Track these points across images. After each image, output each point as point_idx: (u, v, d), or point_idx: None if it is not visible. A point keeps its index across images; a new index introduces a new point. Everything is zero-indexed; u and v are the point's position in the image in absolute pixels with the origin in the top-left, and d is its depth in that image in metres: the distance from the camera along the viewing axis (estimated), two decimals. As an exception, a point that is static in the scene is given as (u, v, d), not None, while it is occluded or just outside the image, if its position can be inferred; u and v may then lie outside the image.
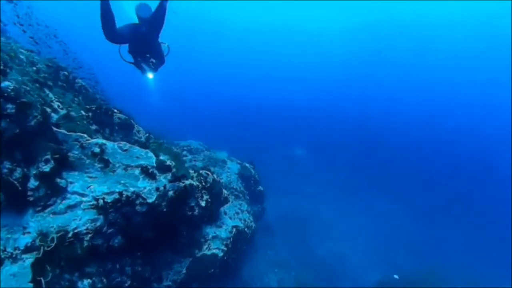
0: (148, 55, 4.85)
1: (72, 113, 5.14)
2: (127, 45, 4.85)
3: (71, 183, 4.93)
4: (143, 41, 4.61)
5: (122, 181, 5.11)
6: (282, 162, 25.27)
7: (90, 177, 5.08)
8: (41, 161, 4.56)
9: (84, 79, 6.27)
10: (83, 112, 5.67)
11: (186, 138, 13.27)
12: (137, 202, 5.10)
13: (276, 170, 20.46)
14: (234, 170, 12.13)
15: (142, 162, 5.37)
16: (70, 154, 4.97)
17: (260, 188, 12.75)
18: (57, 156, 4.67)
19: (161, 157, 5.75)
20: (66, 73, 5.68)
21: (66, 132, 4.87)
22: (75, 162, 5.04)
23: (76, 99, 5.66)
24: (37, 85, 4.88)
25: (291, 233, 14.18)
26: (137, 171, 5.30)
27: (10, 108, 4.03)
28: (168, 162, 5.69)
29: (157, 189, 5.34)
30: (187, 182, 6.16)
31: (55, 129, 4.82)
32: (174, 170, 5.73)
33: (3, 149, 4.18)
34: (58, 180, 4.80)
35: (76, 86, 5.92)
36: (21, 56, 4.85)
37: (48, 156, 4.58)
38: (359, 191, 21.72)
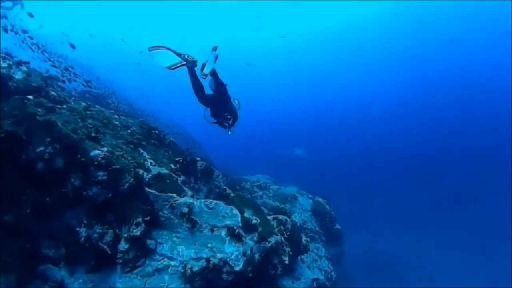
0: (226, 114, 5.60)
1: (163, 171, 5.10)
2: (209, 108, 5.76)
3: (160, 243, 4.75)
4: (219, 104, 5.53)
5: (209, 245, 4.71)
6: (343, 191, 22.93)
7: (178, 237, 4.85)
8: (133, 224, 4.52)
9: (170, 134, 6.47)
10: (172, 166, 5.66)
11: (253, 172, 12.97)
12: (224, 270, 4.59)
13: (344, 202, 18.44)
14: (307, 206, 11.07)
15: (228, 222, 4.92)
16: (160, 213, 4.87)
17: (338, 226, 11.26)
18: (148, 218, 4.60)
19: (246, 214, 5.23)
20: (157, 131, 5.88)
21: (157, 192, 4.79)
22: (165, 221, 4.90)
23: (166, 153, 5.74)
24: (132, 146, 5.01)
25: (377, 279, 11.97)
26: (223, 232, 4.85)
27: (101, 175, 4.08)
28: (254, 220, 5.11)
29: (244, 253, 4.77)
30: (273, 240, 5.46)
31: (147, 189, 4.81)
32: (260, 229, 5.12)
33: (95, 212, 4.28)
34: (148, 241, 4.69)
35: (166, 142, 6.06)
36: (115, 122, 5.13)
37: (140, 219, 4.52)
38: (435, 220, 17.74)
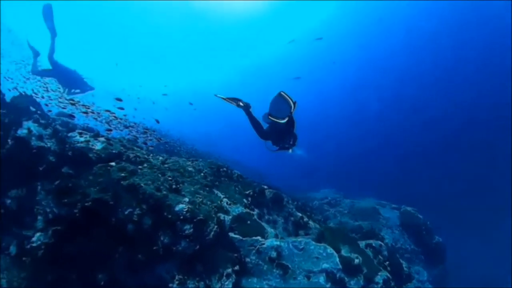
0: (288, 141, 5.56)
1: (240, 210, 4.73)
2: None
3: (252, 293, 4.29)
4: (283, 133, 5.46)
5: (309, 295, 4.02)
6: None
7: (270, 286, 4.32)
8: (223, 275, 4.16)
9: (235, 167, 6.21)
10: (245, 201, 5.29)
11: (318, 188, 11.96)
12: (334, 326, 3.82)
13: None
14: (393, 220, 9.50)
15: (325, 266, 4.18)
16: (247, 259, 4.44)
17: (437, 239, 9.31)
18: (236, 268, 4.21)
19: (343, 252, 4.40)
20: (225, 169, 5.68)
21: (241, 237, 4.40)
22: (253, 268, 4.43)
23: (237, 188, 5.43)
24: (207, 189, 4.79)
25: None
26: (321, 279, 4.11)
27: (188, 229, 3.84)
28: (356, 260, 4.25)
29: (353, 304, 3.93)
30: (380, 280, 4.47)
31: (231, 235, 4.45)
32: (365, 270, 4.22)
33: (184, 267, 4.06)
34: (240, 291, 4.27)
35: (234, 177, 5.79)
36: (189, 168, 5.03)
37: (229, 270, 4.15)
38: None
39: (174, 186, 4.27)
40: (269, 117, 4.94)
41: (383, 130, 35.84)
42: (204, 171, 5.26)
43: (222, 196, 5.00)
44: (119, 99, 6.10)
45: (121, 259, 3.92)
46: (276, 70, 35.19)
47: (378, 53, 32.33)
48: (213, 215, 4.24)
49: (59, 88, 7.08)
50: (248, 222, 4.67)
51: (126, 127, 6.73)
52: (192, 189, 4.55)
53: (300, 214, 6.45)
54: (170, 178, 4.38)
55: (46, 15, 6.53)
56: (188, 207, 3.77)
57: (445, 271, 9.53)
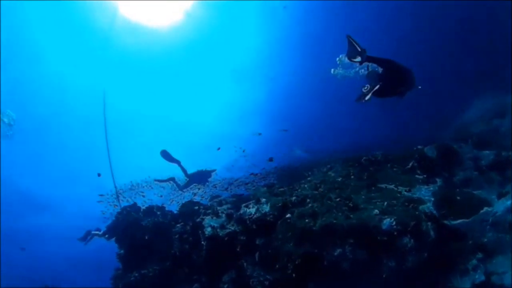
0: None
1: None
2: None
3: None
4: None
5: None
6: None
7: None
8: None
9: None
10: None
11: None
12: None
13: None
14: None
15: None
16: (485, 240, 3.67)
17: None
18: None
19: None
20: (366, 157, 5.33)
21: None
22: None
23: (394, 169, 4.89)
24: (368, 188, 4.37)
25: None
26: None
27: (407, 242, 3.43)
28: None
29: None
30: None
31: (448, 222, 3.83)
32: None
33: None
34: None
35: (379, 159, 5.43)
36: (338, 179, 4.84)
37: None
38: None
39: (350, 204, 4.09)
40: None
41: None
42: (350, 171, 5.03)
43: (392, 185, 4.49)
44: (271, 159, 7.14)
45: None
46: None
47: None
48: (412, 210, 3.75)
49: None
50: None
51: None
52: (363, 197, 4.26)
53: None
54: (337, 199, 4.26)
55: (166, 157, 8.16)
56: (394, 219, 3.44)
57: None
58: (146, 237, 6.33)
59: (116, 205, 8.83)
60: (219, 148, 8.97)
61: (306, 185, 5.25)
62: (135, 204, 7.51)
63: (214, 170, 8.23)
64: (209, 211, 5.79)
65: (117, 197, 9.26)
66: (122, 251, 6.71)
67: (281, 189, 5.71)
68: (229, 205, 6.15)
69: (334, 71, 4.10)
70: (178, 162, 8.17)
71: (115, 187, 9.63)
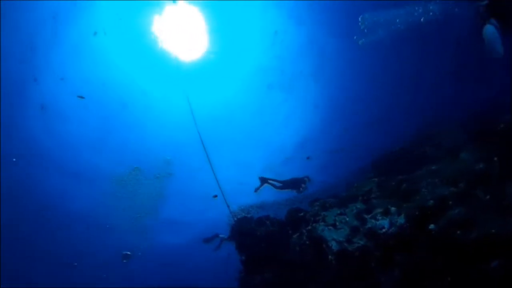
0: None
1: None
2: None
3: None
4: None
5: None
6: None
7: None
8: None
9: None
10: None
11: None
12: None
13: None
14: None
15: None
16: None
17: None
18: None
19: None
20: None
21: None
22: None
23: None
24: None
25: None
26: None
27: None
28: None
29: None
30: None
31: None
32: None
33: None
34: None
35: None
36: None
37: None
38: None
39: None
40: None
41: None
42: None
43: None
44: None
45: None
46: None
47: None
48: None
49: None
50: None
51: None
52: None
53: None
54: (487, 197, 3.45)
55: (262, 181, 8.63)
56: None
57: None
58: (262, 245, 6.91)
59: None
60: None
61: (436, 180, 3.98)
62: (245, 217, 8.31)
63: (307, 177, 8.12)
64: (319, 217, 5.75)
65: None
66: (243, 258, 7.55)
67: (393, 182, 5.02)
68: (336, 209, 5.90)
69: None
70: (267, 180, 8.54)
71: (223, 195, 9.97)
